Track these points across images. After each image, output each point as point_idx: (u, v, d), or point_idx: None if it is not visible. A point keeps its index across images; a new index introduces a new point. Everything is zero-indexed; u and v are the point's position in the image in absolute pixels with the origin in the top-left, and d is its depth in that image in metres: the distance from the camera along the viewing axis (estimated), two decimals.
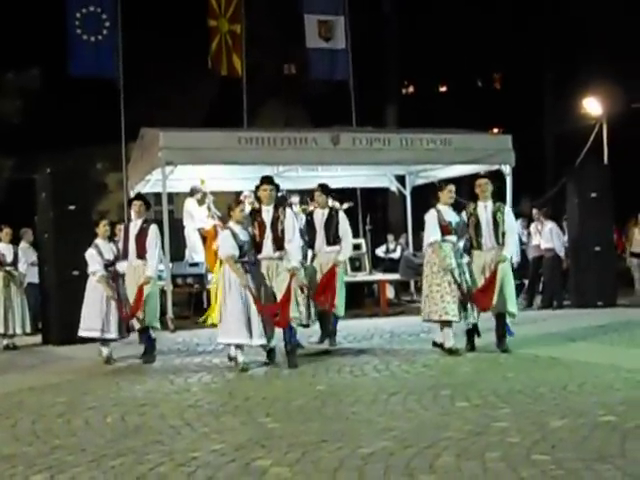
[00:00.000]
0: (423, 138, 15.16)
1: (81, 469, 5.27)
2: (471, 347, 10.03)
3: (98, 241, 10.68)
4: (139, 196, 11.17)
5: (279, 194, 10.16)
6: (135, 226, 10.46)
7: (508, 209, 10.23)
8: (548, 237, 15.96)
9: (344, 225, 11.25)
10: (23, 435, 6.39)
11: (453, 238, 9.87)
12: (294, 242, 9.48)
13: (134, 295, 10.23)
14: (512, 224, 10.10)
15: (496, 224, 9.84)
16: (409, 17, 29.15)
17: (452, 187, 10.11)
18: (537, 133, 30.81)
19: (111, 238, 11.09)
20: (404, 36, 28.54)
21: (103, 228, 10.78)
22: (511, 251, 10.00)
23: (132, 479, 5.01)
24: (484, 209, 9.95)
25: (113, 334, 10.49)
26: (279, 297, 9.28)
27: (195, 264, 15.17)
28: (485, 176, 10.34)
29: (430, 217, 9.97)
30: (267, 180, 9.74)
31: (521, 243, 17.76)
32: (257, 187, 9.73)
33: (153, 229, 10.42)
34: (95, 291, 10.51)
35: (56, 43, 19.75)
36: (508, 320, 9.99)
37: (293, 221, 9.60)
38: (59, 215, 13.22)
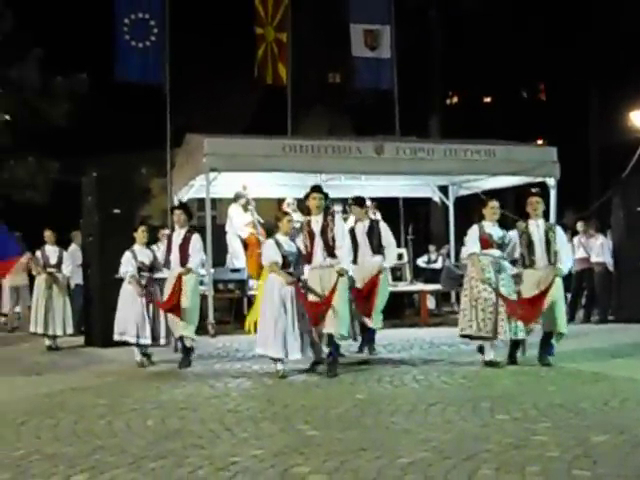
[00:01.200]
0: (467, 149, 15.08)
1: (121, 470, 5.32)
2: (512, 361, 9.94)
3: (135, 247, 10.84)
4: (180, 205, 11.26)
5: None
6: (179, 235, 10.55)
7: (560, 228, 10.18)
8: (599, 251, 15.83)
9: (387, 234, 11.25)
10: (65, 435, 6.46)
11: (495, 252, 9.79)
12: (344, 247, 9.48)
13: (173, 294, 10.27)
14: (565, 242, 10.09)
15: (548, 242, 9.79)
16: (454, 27, 29.05)
17: (495, 203, 10.02)
18: (582, 145, 30.52)
19: (150, 244, 11.23)
20: (449, 46, 28.47)
21: (141, 234, 10.95)
22: (567, 267, 9.94)
23: None
24: (536, 228, 9.89)
25: (148, 339, 10.60)
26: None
27: (236, 270, 15.24)
28: (537, 194, 10.24)
29: (472, 231, 9.94)
30: (316, 189, 9.77)
31: None
32: (306, 196, 9.75)
33: (196, 237, 10.51)
34: (129, 295, 10.63)
35: (104, 48, 19.96)
36: (554, 340, 9.89)
37: (342, 228, 9.63)
38: (104, 219, 13.36)
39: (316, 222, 9.54)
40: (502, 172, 15.38)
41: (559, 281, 9.77)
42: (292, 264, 9.31)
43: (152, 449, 5.86)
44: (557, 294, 9.74)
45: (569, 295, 16.54)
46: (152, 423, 6.86)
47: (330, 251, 9.42)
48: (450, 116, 29.56)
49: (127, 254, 10.77)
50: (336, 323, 9.26)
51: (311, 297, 9.32)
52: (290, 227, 9.53)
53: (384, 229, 11.29)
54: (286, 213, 9.94)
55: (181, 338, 10.49)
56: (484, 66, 31.13)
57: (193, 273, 10.35)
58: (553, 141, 17.31)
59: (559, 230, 10.04)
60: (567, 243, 10.29)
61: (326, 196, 9.75)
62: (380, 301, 10.98)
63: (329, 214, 9.74)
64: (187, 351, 10.47)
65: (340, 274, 9.26)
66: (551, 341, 9.86)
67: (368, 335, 11.17)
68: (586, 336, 13.09)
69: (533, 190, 10.56)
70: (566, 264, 9.91)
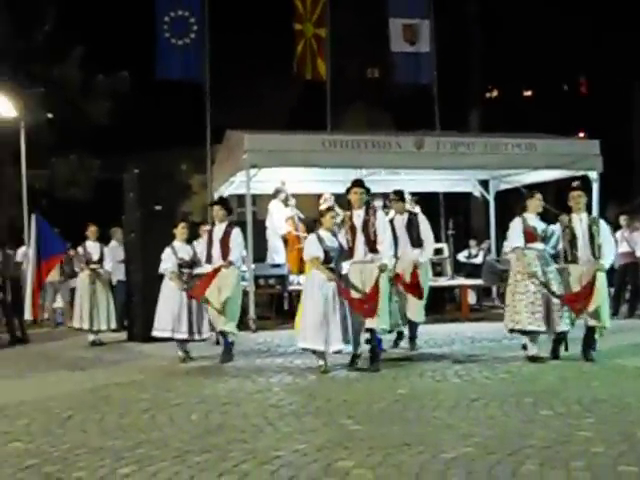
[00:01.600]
0: (507, 143, 14.98)
1: (166, 464, 5.37)
2: (555, 356, 9.86)
3: (175, 243, 10.93)
4: (218, 200, 11.31)
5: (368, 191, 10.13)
6: (219, 230, 10.57)
7: (603, 221, 10.04)
8: None
9: (425, 227, 11.23)
10: (110, 429, 6.53)
11: (539, 245, 9.73)
12: (386, 242, 9.45)
13: (214, 290, 10.32)
14: (608, 236, 9.93)
15: (592, 237, 9.68)
16: (494, 20, 28.86)
17: (540, 196, 9.99)
18: (625, 138, 30.18)
19: (190, 240, 11.30)
20: (489, 39, 28.28)
21: (181, 230, 11.05)
22: (609, 261, 9.82)
23: (215, 475, 5.09)
24: (579, 222, 9.78)
25: (184, 334, 10.68)
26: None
27: (277, 265, 15.28)
28: (579, 188, 10.13)
29: (515, 224, 9.87)
30: (358, 183, 9.74)
31: None
32: (348, 190, 9.73)
33: (237, 231, 10.55)
34: (169, 291, 10.72)
35: (145, 46, 20.14)
36: (597, 335, 9.79)
37: (384, 222, 9.59)
38: (145, 215, 13.46)
39: (357, 217, 9.52)
40: (543, 166, 15.26)
41: (602, 276, 9.67)
42: (334, 260, 9.31)
43: (196, 443, 5.90)
44: (600, 290, 9.64)
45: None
46: (195, 417, 6.91)
47: (372, 246, 9.39)
48: (490, 110, 29.37)
49: (167, 250, 10.87)
50: (377, 318, 9.25)
51: (353, 293, 9.31)
52: (333, 223, 9.52)
53: (423, 222, 11.27)
54: (330, 209, 9.92)
55: (222, 333, 10.55)
56: (524, 60, 30.92)
57: (234, 266, 10.40)
58: (594, 134, 17.12)
59: (603, 224, 9.92)
60: (610, 237, 10.13)
61: (367, 190, 9.72)
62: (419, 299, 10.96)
63: (370, 209, 9.70)
64: (228, 346, 10.52)
65: (381, 270, 9.24)
66: (594, 336, 9.76)
67: (410, 330, 11.15)
68: (630, 331, 12.95)
69: (575, 184, 10.45)
70: (608, 258, 9.79)
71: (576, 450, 5.45)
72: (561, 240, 9.82)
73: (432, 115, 21.10)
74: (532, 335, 9.71)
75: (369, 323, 9.27)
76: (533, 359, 9.65)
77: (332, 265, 9.26)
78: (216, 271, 10.28)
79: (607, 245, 9.76)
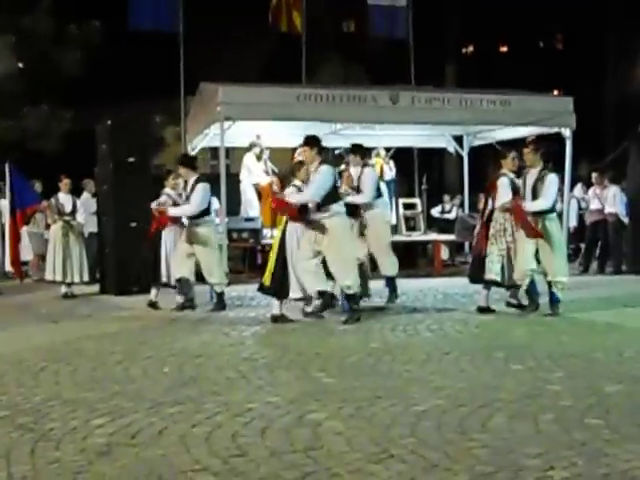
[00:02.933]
0: (482, 99, 14.95)
1: (140, 415, 5.39)
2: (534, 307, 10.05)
3: (168, 190, 11.24)
4: (181, 160, 11.36)
5: (336, 152, 10.15)
6: (188, 186, 10.86)
7: (552, 175, 9.86)
8: (612, 201, 15.72)
9: (365, 178, 10.95)
10: (83, 381, 6.54)
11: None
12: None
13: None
14: (547, 189, 9.68)
15: (534, 192, 9.71)
16: None
17: (515, 154, 10.04)
18: (599, 95, 30.25)
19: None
20: None
21: (172, 181, 11.34)
22: (529, 206, 9.66)
23: (189, 426, 5.12)
24: (530, 177, 9.83)
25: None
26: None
27: (250, 219, 15.26)
28: (528, 144, 10.14)
29: (504, 180, 9.90)
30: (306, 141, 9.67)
31: (579, 208, 17.57)
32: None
33: (200, 186, 10.71)
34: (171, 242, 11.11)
35: None
36: (555, 290, 9.85)
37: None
38: (118, 167, 13.37)
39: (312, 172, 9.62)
40: (517, 122, 15.25)
41: (553, 228, 9.75)
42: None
43: (169, 395, 5.93)
44: (552, 241, 9.72)
45: (583, 246, 16.58)
46: (169, 370, 6.93)
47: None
48: (466, 66, 29.32)
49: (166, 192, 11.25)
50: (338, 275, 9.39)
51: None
52: (306, 174, 9.58)
53: (365, 174, 10.99)
54: (301, 162, 9.94)
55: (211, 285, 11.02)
56: (500, 15, 30.79)
57: (205, 222, 10.79)
58: (570, 91, 17.13)
59: (548, 178, 9.72)
60: (549, 190, 9.74)
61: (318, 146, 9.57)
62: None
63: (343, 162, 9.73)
64: (219, 296, 10.88)
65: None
66: (552, 291, 9.85)
67: (388, 284, 11.25)
68: (600, 287, 13.10)
69: (528, 139, 10.50)
70: (530, 204, 9.67)
71: (545, 403, 5.53)
72: None
73: (407, 70, 21.00)
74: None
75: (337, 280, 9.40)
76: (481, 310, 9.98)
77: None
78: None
79: (541, 197, 9.68)
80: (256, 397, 5.84)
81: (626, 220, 15.71)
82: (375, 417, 5.27)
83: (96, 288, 13.83)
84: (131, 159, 13.33)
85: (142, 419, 5.30)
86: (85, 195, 15.17)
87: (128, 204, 12.97)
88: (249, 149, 16.06)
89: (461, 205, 19.39)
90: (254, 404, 5.62)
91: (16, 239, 14.62)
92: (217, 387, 6.21)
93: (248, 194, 16.01)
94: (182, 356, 7.54)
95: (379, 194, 11.21)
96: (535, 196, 9.69)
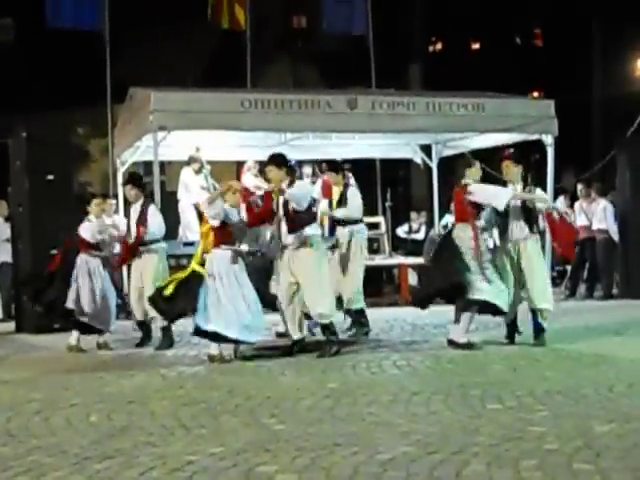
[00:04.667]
0: (452, 102, 15.11)
1: (63, 472, 5.32)
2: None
3: (92, 218, 11.06)
4: (128, 179, 11.44)
5: (288, 164, 10.23)
6: (135, 211, 11.02)
7: (538, 193, 10.19)
8: (602, 217, 15.84)
9: (352, 200, 11.49)
10: None
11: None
12: None
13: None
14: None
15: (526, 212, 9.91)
16: None
17: (479, 165, 10.29)
18: (583, 98, 30.67)
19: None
20: None
21: (97, 208, 11.12)
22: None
23: None
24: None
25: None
26: None
27: (190, 243, 15.19)
28: (508, 157, 10.31)
29: (476, 185, 10.07)
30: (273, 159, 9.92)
31: None
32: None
33: (152, 209, 11.06)
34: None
35: None
36: (540, 319, 9.98)
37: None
38: (35, 186, 13.30)
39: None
40: (493, 129, 15.44)
41: (532, 249, 9.89)
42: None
43: (97, 448, 5.87)
44: (533, 266, 9.85)
45: (569, 268, 16.74)
46: (96, 419, 6.86)
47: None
48: (433, 65, 29.61)
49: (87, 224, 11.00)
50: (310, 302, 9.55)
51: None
52: (237, 199, 9.79)
53: (352, 196, 11.48)
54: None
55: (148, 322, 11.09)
56: (472, 8, 31.14)
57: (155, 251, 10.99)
58: (550, 93, 17.38)
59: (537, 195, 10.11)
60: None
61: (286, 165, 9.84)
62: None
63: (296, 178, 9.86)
64: (164, 332, 10.86)
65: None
66: (537, 319, 9.96)
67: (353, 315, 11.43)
68: (588, 314, 13.24)
69: (507, 152, 10.69)
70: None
71: (527, 447, 5.56)
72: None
73: (367, 71, 21.15)
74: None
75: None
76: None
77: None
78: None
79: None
80: (197, 448, 5.80)
81: (617, 238, 15.86)
82: (334, 467, 5.27)
83: (11, 326, 13.69)
84: (50, 177, 13.28)
85: (65, 477, 5.24)
86: None
87: (47, 229, 12.87)
88: (187, 163, 16.04)
89: (430, 223, 19.48)
90: (195, 456, 5.59)
91: None
92: (152, 437, 6.16)
93: (187, 215, 15.97)
94: (111, 402, 7.48)
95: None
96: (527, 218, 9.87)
